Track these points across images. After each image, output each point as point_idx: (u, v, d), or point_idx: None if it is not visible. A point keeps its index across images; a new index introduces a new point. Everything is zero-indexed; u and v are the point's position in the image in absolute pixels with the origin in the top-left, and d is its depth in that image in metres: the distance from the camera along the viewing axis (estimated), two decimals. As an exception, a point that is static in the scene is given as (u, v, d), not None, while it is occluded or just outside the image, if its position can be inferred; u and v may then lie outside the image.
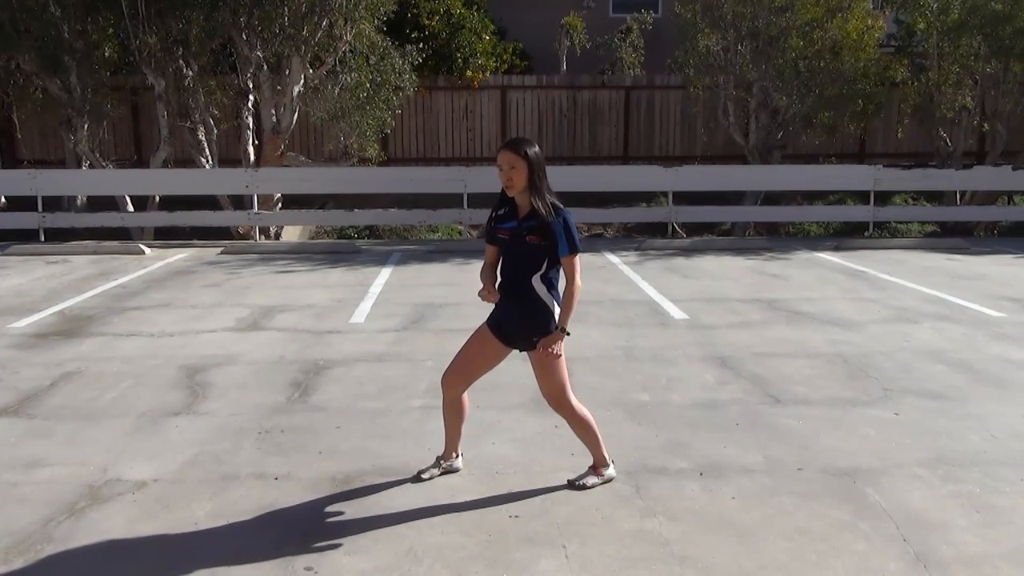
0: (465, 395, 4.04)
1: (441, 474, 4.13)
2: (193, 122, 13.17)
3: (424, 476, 4.10)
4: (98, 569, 3.32)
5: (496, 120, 16.74)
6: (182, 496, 3.94)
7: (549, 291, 3.73)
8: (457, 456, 4.17)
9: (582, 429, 3.97)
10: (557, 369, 3.79)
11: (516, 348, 3.89)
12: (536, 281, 3.71)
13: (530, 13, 19.45)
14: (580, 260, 3.70)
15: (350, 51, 12.95)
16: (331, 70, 12.91)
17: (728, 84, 14.11)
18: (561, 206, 3.70)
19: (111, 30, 13.00)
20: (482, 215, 13.34)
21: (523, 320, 3.76)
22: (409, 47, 13.56)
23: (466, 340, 4.00)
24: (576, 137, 16.91)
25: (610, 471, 4.05)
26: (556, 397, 3.87)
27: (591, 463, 4.05)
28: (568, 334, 3.72)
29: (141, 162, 15.14)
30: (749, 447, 4.52)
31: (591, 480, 4.01)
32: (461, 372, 3.95)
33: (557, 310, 3.73)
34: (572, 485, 4.00)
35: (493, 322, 3.89)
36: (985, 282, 9.29)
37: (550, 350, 3.65)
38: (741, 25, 13.70)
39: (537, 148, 3.69)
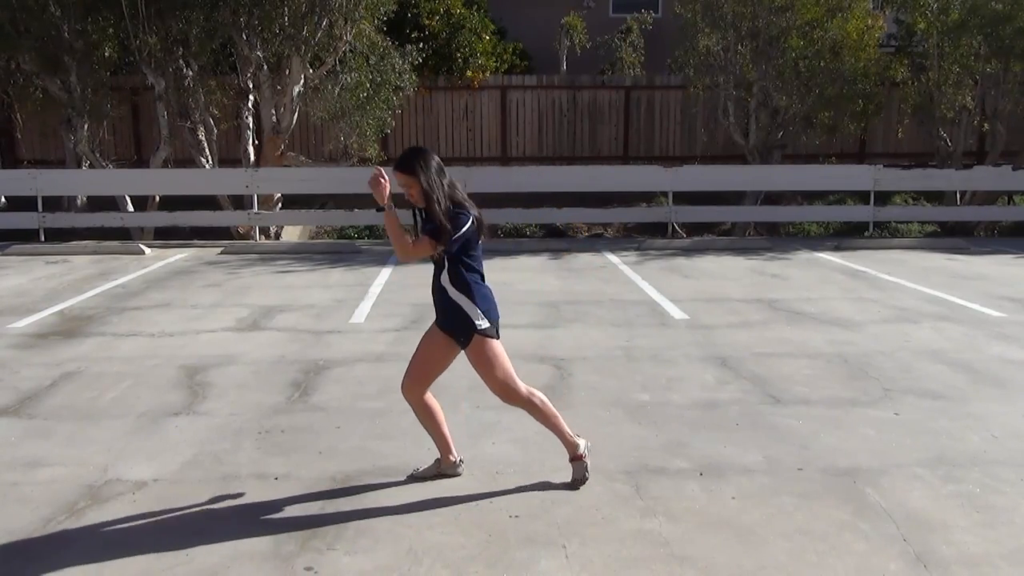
0: (429, 395, 4.03)
1: (435, 476, 4.12)
2: (193, 122, 13.17)
3: (418, 476, 4.11)
4: (98, 569, 3.32)
5: (496, 120, 16.74)
6: (182, 496, 3.94)
7: (459, 290, 3.75)
8: (456, 462, 4.14)
9: (542, 415, 3.97)
10: (494, 363, 3.81)
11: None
12: (445, 281, 3.77)
13: (530, 13, 19.45)
14: (428, 244, 3.63)
15: (350, 51, 12.95)
16: (331, 70, 12.90)
17: (728, 84, 14.10)
18: (459, 210, 3.65)
19: (111, 30, 12.98)
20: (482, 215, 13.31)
21: (446, 320, 3.82)
22: (409, 47, 13.55)
23: (417, 344, 4.02)
24: (576, 137, 16.91)
25: (582, 446, 4.03)
26: (504, 390, 3.89)
27: (568, 456, 4.03)
28: (385, 210, 3.64)
29: (141, 162, 15.13)
30: (749, 447, 4.52)
31: (578, 469, 4.00)
32: (416, 376, 3.96)
33: (476, 309, 3.74)
34: (571, 486, 4.00)
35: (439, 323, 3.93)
36: (985, 282, 9.29)
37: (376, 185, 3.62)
38: (741, 25, 13.69)
39: (425, 155, 3.65)
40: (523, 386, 3.92)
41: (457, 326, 3.78)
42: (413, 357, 3.99)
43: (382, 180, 3.65)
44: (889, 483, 4.06)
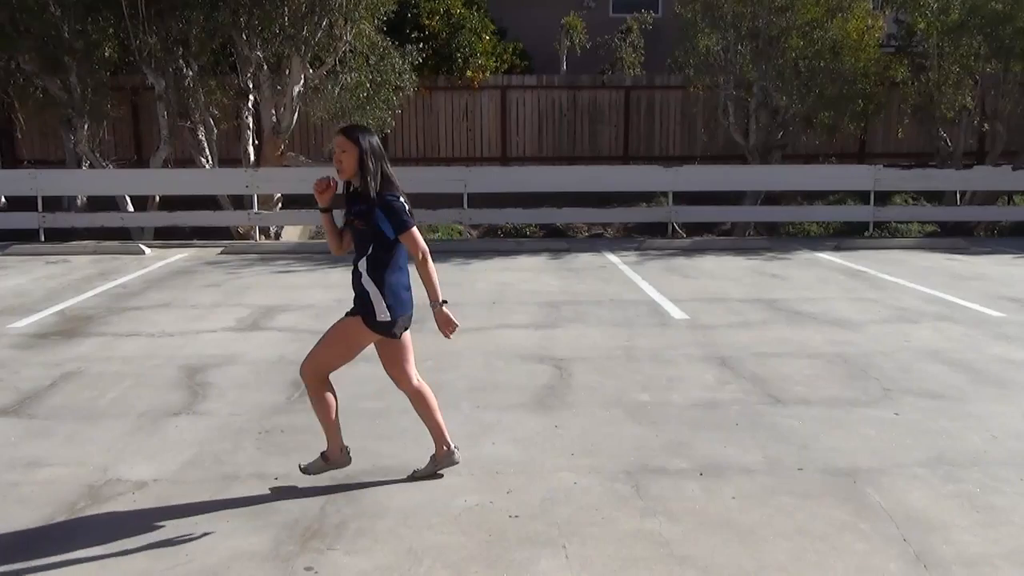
0: (423, 383, 4.08)
1: (434, 475, 4.11)
2: (193, 122, 13.17)
3: (418, 476, 4.11)
4: (98, 569, 3.32)
5: (496, 120, 16.74)
6: (182, 496, 3.95)
7: (372, 279, 3.77)
8: (451, 451, 4.12)
9: (320, 407, 3.97)
10: (348, 346, 3.84)
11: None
12: (363, 264, 3.81)
13: (530, 13, 19.43)
14: (413, 236, 3.75)
15: (350, 51, 12.95)
16: (331, 70, 12.90)
17: (728, 84, 14.10)
18: (391, 192, 3.75)
19: (111, 30, 12.97)
20: (482, 215, 13.36)
21: (355, 300, 3.86)
22: (409, 47, 13.56)
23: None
24: (576, 137, 16.90)
25: (349, 450, 4.07)
26: (318, 364, 3.87)
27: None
28: (445, 302, 3.80)
29: (141, 162, 15.13)
30: (749, 447, 4.52)
31: (314, 466, 4.03)
32: (389, 369, 4.01)
33: (382, 303, 3.76)
34: (305, 471, 4.05)
35: None
36: (985, 282, 9.29)
37: (449, 327, 3.82)
38: (741, 25, 13.69)
39: (374, 138, 3.80)
40: (326, 385, 3.92)
41: (360, 307, 3.81)
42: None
43: (331, 184, 3.86)
44: (889, 483, 4.06)
